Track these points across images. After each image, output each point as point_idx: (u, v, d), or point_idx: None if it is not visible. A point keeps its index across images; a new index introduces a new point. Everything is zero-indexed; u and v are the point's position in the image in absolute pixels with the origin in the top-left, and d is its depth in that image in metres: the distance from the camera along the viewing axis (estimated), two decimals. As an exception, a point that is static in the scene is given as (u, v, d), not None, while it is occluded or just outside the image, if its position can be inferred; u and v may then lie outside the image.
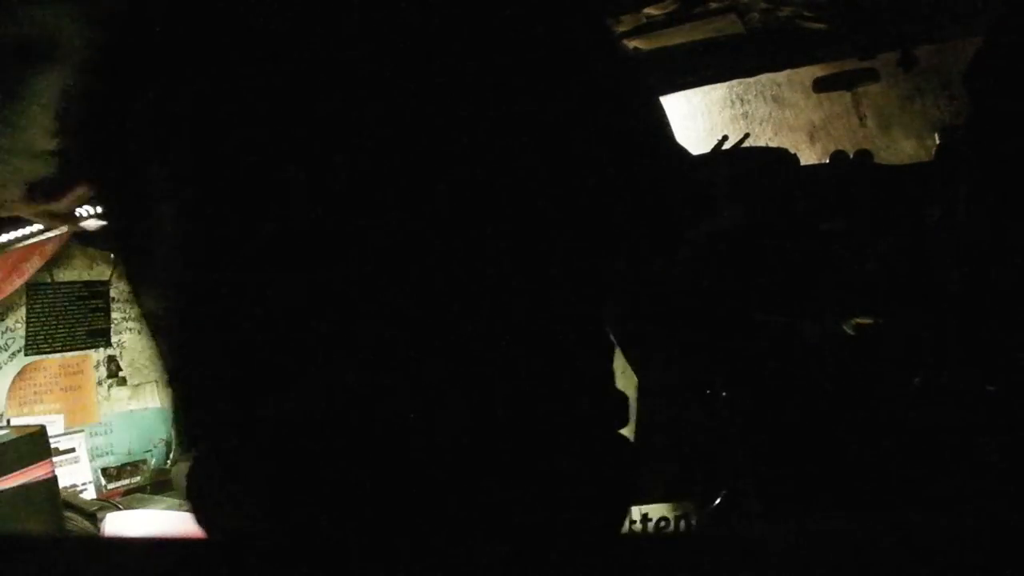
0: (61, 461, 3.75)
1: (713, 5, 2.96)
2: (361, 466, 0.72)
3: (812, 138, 5.58)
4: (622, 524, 0.86)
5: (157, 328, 0.91)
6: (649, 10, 2.97)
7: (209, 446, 0.87)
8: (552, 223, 0.79)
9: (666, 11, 2.98)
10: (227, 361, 0.79)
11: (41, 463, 2.95)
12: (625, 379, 2.69)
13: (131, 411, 4.33)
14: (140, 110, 0.81)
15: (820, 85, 3.68)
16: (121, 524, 3.20)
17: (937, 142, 3.17)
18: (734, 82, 5.39)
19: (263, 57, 0.76)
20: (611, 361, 0.87)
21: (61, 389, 4.10)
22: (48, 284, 4.08)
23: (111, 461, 4.19)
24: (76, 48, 1.34)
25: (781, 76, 5.04)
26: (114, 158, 0.86)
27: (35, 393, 4.02)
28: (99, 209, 1.47)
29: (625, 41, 3.30)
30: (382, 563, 0.58)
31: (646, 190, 0.89)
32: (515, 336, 0.75)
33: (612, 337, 0.87)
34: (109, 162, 0.88)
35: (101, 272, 4.27)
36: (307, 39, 0.75)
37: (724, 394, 2.41)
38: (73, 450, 3.99)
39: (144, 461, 4.32)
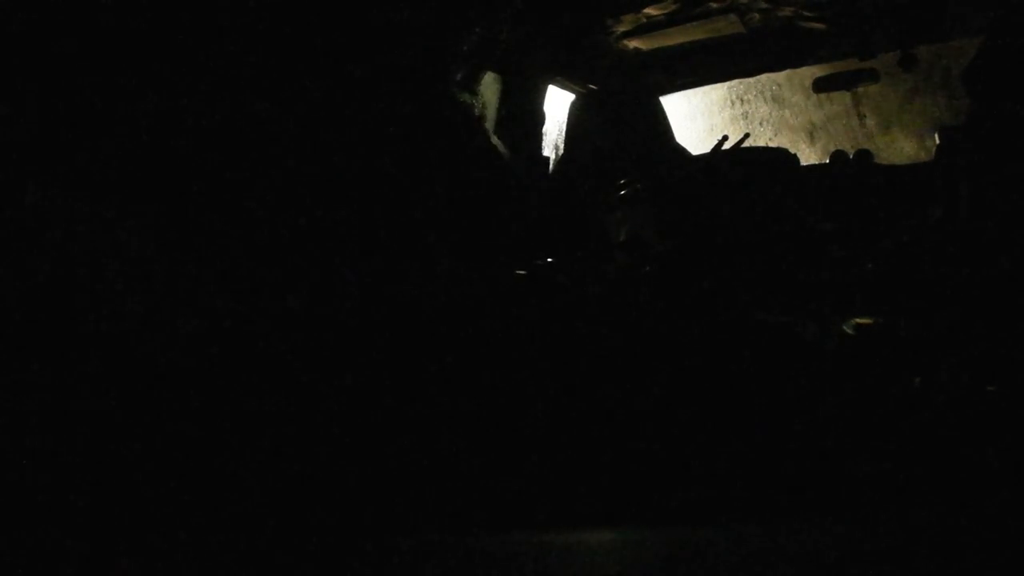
0: None
1: (713, 5, 2.96)
2: None
3: (812, 138, 5.59)
4: None
5: None
6: (649, 10, 2.97)
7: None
8: None
9: (666, 11, 2.98)
10: None
11: None
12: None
13: None
14: None
15: (820, 85, 3.68)
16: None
17: (937, 142, 3.17)
18: (734, 82, 5.40)
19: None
20: None
21: None
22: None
23: None
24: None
25: (781, 76, 5.05)
26: None
27: None
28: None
29: (625, 41, 3.31)
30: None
31: None
32: None
33: None
34: None
35: None
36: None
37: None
38: None
39: None
